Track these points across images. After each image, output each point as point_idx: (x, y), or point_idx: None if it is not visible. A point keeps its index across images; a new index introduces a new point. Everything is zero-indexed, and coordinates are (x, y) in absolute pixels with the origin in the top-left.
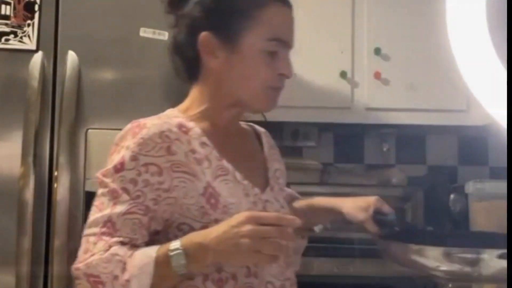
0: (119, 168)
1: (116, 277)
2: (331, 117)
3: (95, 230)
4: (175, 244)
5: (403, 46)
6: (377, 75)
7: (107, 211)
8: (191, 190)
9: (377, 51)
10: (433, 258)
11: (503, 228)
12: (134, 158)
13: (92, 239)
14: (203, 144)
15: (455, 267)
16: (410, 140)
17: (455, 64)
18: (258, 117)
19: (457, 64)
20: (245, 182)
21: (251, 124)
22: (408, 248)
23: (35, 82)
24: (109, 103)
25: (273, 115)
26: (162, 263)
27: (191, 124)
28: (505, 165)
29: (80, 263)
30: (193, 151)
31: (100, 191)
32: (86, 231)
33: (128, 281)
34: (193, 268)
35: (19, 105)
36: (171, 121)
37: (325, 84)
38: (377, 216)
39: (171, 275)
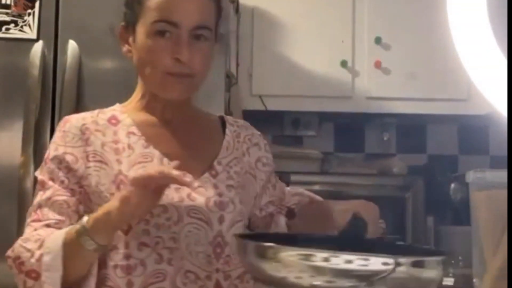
0: (46, 160)
1: (32, 254)
2: (332, 106)
3: (28, 220)
4: (82, 220)
5: (403, 36)
6: (378, 64)
7: (36, 200)
8: (103, 178)
9: (378, 40)
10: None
11: (503, 218)
12: (56, 149)
13: (26, 229)
14: (130, 133)
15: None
16: (410, 129)
17: (455, 53)
18: (259, 106)
19: (458, 53)
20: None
21: (224, 116)
22: None
23: (35, 71)
24: (109, 92)
25: (274, 104)
26: (71, 239)
27: (123, 116)
28: (506, 154)
29: (9, 251)
30: (115, 142)
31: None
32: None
33: (42, 255)
34: (99, 239)
35: (20, 94)
36: (104, 114)
37: (325, 73)
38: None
39: (80, 250)
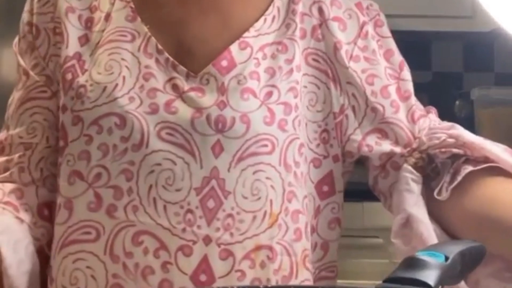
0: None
1: None
2: None
3: None
4: None
5: None
6: None
7: None
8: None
9: None
10: None
11: (508, 134)
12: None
13: None
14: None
15: None
16: (415, 46)
17: None
18: None
19: None
20: (163, 56)
21: None
22: None
23: None
24: None
25: None
26: None
27: None
28: (511, 71)
29: None
30: (93, 9)
31: None
32: None
33: None
34: None
35: None
36: None
37: None
38: None
39: None
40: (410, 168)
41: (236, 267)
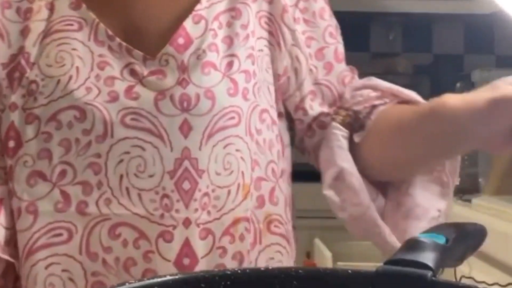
0: None
1: None
2: (337, 5)
3: None
4: None
5: None
6: None
7: None
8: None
9: None
10: None
11: None
12: None
13: None
14: None
15: None
16: (416, 28)
17: None
18: None
19: None
20: (114, 42)
21: None
22: None
23: None
24: None
25: None
26: None
27: None
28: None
29: None
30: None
31: None
32: None
33: None
34: None
35: None
36: None
37: None
38: None
39: None
40: (338, 125)
41: (217, 245)
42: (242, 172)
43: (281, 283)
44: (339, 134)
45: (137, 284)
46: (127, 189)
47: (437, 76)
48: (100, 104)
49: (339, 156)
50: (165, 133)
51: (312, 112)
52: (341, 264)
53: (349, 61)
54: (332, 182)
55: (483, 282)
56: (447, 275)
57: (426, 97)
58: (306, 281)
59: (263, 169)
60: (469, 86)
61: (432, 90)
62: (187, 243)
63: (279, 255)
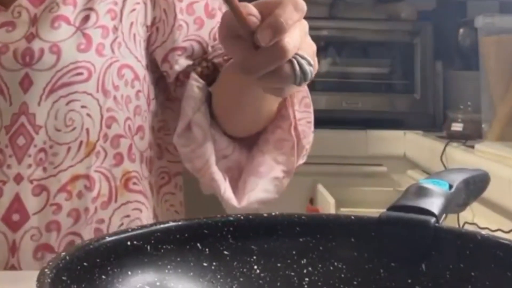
0: None
1: None
2: None
3: None
4: None
5: None
6: None
7: None
8: None
9: None
10: None
11: (511, 63)
12: None
13: None
14: None
15: None
16: None
17: None
18: None
19: None
20: None
21: None
22: None
23: None
24: None
25: None
26: None
27: None
28: None
29: None
30: None
31: None
32: None
33: None
34: None
35: None
36: None
37: None
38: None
39: None
40: (196, 76)
41: (51, 201)
42: (87, 129)
43: (284, 229)
44: (195, 85)
45: (140, 231)
46: None
47: (440, 22)
48: None
49: (190, 106)
50: (5, 87)
51: (177, 67)
52: (344, 210)
53: (352, 6)
54: (182, 132)
55: (486, 228)
56: (450, 221)
57: (428, 43)
58: (309, 227)
59: (121, 126)
60: (473, 31)
61: (435, 36)
62: (17, 199)
63: (137, 212)
